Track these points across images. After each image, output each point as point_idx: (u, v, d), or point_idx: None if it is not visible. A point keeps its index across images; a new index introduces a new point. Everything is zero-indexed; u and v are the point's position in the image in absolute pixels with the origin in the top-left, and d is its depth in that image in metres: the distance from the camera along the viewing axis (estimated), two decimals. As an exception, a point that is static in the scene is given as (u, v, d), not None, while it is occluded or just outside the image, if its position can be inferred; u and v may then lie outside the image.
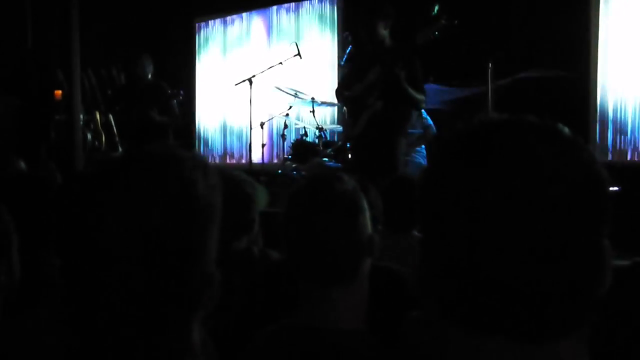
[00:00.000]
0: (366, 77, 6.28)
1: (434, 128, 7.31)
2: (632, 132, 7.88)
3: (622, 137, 7.95)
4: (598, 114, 8.05)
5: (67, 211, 1.18)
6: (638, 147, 7.85)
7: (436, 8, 6.29)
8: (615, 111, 7.98)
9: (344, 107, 6.76)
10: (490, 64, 6.39)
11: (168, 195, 1.18)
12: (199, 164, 1.24)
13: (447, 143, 1.04)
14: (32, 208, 2.14)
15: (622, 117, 7.93)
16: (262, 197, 2.93)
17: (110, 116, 9.49)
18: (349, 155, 7.05)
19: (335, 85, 7.11)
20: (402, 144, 6.33)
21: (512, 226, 0.94)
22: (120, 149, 9.31)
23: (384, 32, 6.26)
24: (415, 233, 3.69)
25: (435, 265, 1.02)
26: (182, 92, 8.52)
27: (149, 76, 8.49)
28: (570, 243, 0.96)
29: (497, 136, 1.00)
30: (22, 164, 5.08)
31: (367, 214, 1.94)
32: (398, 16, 6.38)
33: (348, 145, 7.15)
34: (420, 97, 6.22)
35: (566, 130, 1.02)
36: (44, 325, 1.79)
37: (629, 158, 7.88)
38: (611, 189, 1.03)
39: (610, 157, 7.94)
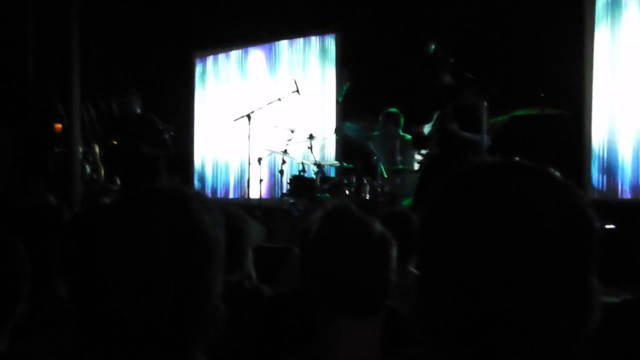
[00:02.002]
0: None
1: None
2: (625, 170, 7.94)
3: (614, 175, 8.01)
4: (593, 151, 8.12)
5: (79, 245, 1.23)
6: (633, 185, 7.90)
7: (432, 46, 6.38)
8: (609, 149, 8.05)
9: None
10: (485, 102, 6.45)
11: (176, 230, 1.23)
12: (205, 200, 1.29)
13: (445, 185, 1.10)
14: (41, 240, 2.17)
15: (615, 155, 7.99)
16: (256, 233, 2.97)
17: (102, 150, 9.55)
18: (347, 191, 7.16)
19: (334, 122, 7.22)
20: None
21: (503, 264, 1.00)
22: (118, 182, 9.34)
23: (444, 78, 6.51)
24: (410, 269, 3.70)
25: (432, 301, 1.07)
26: (174, 128, 8.55)
27: (138, 110, 8.54)
28: (559, 281, 1.01)
29: (491, 179, 1.07)
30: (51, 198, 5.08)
31: (394, 255, 1.99)
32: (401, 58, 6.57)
33: (364, 181, 7.40)
34: (478, 137, 6.46)
35: (557, 173, 1.08)
36: (49, 353, 1.82)
37: (620, 196, 7.94)
38: (607, 227, 1.09)
39: (604, 193, 8.00)
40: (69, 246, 1.26)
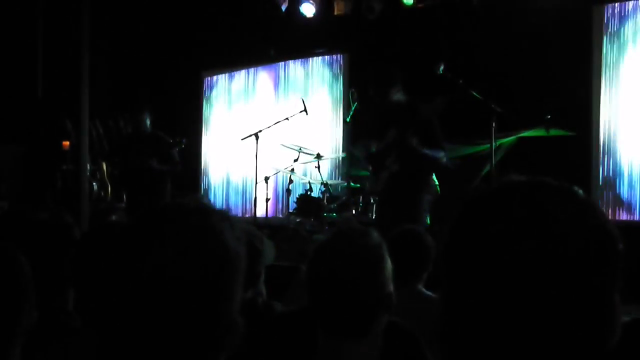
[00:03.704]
0: (382, 135, 6.42)
1: (438, 187, 7.39)
2: (632, 190, 7.95)
3: (621, 195, 8.02)
4: (600, 172, 8.13)
5: (97, 261, 1.24)
6: (635, 206, 7.92)
7: (441, 68, 6.41)
8: (615, 170, 8.06)
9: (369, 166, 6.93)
10: (494, 123, 6.46)
11: (199, 244, 1.26)
12: (226, 216, 1.31)
13: (470, 204, 1.11)
14: (52, 254, 2.19)
15: (621, 176, 8.01)
16: (269, 252, 2.99)
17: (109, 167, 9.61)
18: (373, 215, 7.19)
19: (341, 141, 7.23)
20: (424, 201, 6.42)
21: (531, 283, 1.01)
22: (125, 200, 9.37)
23: (396, 95, 6.40)
24: (420, 288, 3.70)
25: (458, 322, 1.08)
26: (184, 140, 8.59)
27: (147, 128, 8.58)
28: (585, 299, 1.02)
29: (517, 198, 1.07)
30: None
31: (390, 271, 2.00)
32: (406, 77, 6.53)
33: (371, 200, 7.24)
34: (439, 154, 6.33)
35: (581, 192, 1.10)
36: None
37: (627, 217, 7.95)
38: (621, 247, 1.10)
39: (610, 214, 8.00)
40: (85, 261, 1.28)
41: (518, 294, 1.01)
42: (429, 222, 6.48)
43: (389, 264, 2.00)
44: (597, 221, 1.06)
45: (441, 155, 6.38)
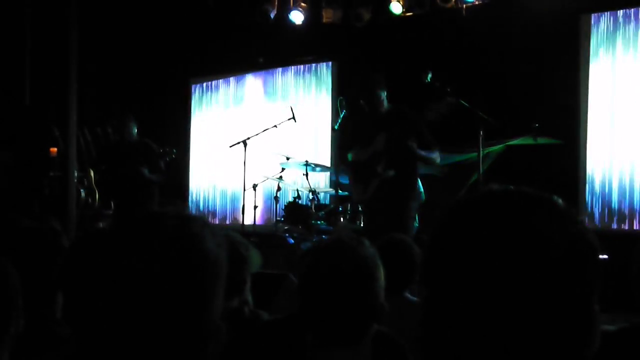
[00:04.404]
0: (371, 143, 6.43)
1: (423, 194, 7.40)
2: (619, 199, 7.98)
3: (609, 204, 8.05)
4: (587, 182, 8.16)
5: (83, 268, 1.25)
6: (627, 215, 7.94)
7: (429, 75, 6.43)
8: (602, 179, 8.09)
9: (350, 172, 6.91)
10: (481, 131, 6.49)
11: (179, 251, 1.27)
12: (207, 223, 1.33)
13: (451, 213, 1.12)
14: (40, 261, 2.18)
15: (609, 185, 8.04)
16: (255, 260, 2.98)
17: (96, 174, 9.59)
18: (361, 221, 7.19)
19: (329, 149, 7.24)
20: (412, 208, 6.45)
21: (509, 291, 1.02)
22: (112, 206, 9.34)
23: (383, 100, 6.44)
24: (407, 295, 3.71)
25: (437, 326, 1.09)
26: (175, 150, 8.59)
27: (134, 136, 8.57)
28: (564, 307, 1.03)
29: (495, 208, 1.08)
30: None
31: (382, 281, 2.00)
32: (397, 85, 6.57)
33: (360, 208, 7.29)
34: (434, 155, 6.40)
35: (560, 201, 1.10)
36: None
37: (614, 226, 7.98)
38: (600, 257, 1.10)
39: (597, 224, 8.03)
40: (73, 268, 1.29)
41: (495, 303, 1.02)
42: (416, 229, 6.51)
43: (382, 274, 2.01)
44: (576, 231, 1.07)
45: (436, 155, 6.45)
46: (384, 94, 6.45)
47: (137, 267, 1.24)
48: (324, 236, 7.92)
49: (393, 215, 6.29)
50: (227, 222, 11.55)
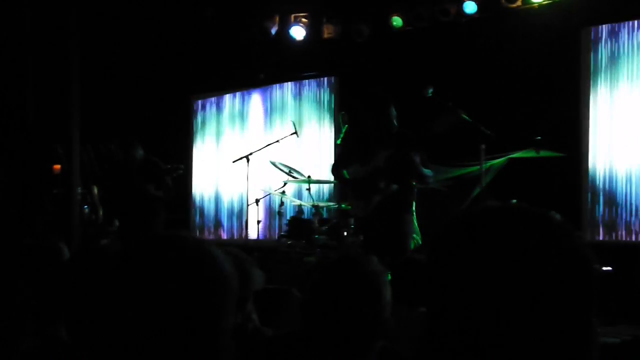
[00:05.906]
0: (371, 160, 6.45)
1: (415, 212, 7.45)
2: (623, 211, 7.98)
3: (613, 216, 8.04)
4: (591, 194, 8.16)
5: (89, 285, 1.26)
6: (630, 226, 7.93)
7: (430, 90, 6.45)
8: (606, 191, 8.09)
9: (346, 187, 6.92)
10: (483, 145, 6.50)
11: (198, 269, 1.29)
12: (214, 244, 1.35)
13: (448, 228, 1.14)
14: (46, 279, 2.19)
15: (613, 197, 8.03)
16: (257, 277, 2.99)
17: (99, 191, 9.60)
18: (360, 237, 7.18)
19: (331, 164, 7.25)
20: (409, 222, 6.46)
21: (507, 305, 1.03)
22: (116, 224, 9.34)
23: (393, 119, 6.47)
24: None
25: (438, 339, 1.10)
26: (182, 166, 8.61)
27: (138, 153, 8.58)
28: (561, 321, 1.04)
29: (493, 224, 1.10)
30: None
31: (389, 297, 2.01)
32: (398, 100, 6.59)
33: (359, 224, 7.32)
34: (429, 173, 6.42)
35: (556, 216, 1.11)
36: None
37: (619, 238, 7.97)
38: (604, 269, 1.12)
39: (602, 237, 8.03)
40: (75, 286, 1.30)
41: (492, 318, 1.04)
42: (420, 243, 6.52)
43: (388, 290, 2.02)
44: (571, 246, 1.08)
45: (431, 173, 6.47)
46: (394, 113, 6.49)
47: (153, 286, 1.25)
48: (318, 250, 7.94)
49: (395, 230, 6.31)
50: (228, 236, 11.55)
